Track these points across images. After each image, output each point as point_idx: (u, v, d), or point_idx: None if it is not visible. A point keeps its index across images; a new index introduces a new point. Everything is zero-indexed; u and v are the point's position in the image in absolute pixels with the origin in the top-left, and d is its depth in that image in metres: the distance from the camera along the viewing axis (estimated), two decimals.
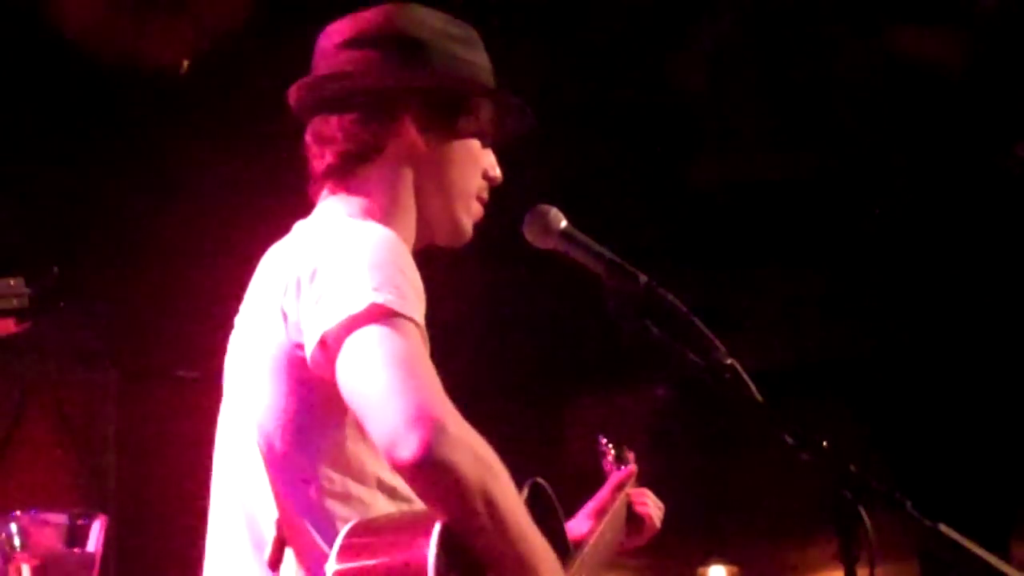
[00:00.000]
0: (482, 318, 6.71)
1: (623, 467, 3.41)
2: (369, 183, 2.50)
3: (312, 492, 2.24)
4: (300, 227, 2.47)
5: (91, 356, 6.49)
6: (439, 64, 2.55)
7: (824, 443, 2.19)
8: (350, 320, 2.15)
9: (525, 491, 2.50)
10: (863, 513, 2.16)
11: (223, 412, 2.44)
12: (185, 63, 5.65)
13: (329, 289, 2.20)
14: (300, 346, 2.24)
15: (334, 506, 2.24)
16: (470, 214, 2.58)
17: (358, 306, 2.15)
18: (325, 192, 2.54)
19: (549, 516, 2.63)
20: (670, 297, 2.28)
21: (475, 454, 2.11)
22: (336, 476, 2.25)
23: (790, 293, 7.00)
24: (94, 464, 6.23)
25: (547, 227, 2.42)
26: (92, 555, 1.91)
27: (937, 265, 6.86)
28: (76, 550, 1.88)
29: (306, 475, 2.25)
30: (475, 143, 2.57)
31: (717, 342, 2.24)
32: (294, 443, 2.27)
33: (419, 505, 2.19)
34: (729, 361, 2.23)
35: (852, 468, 2.18)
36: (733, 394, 2.23)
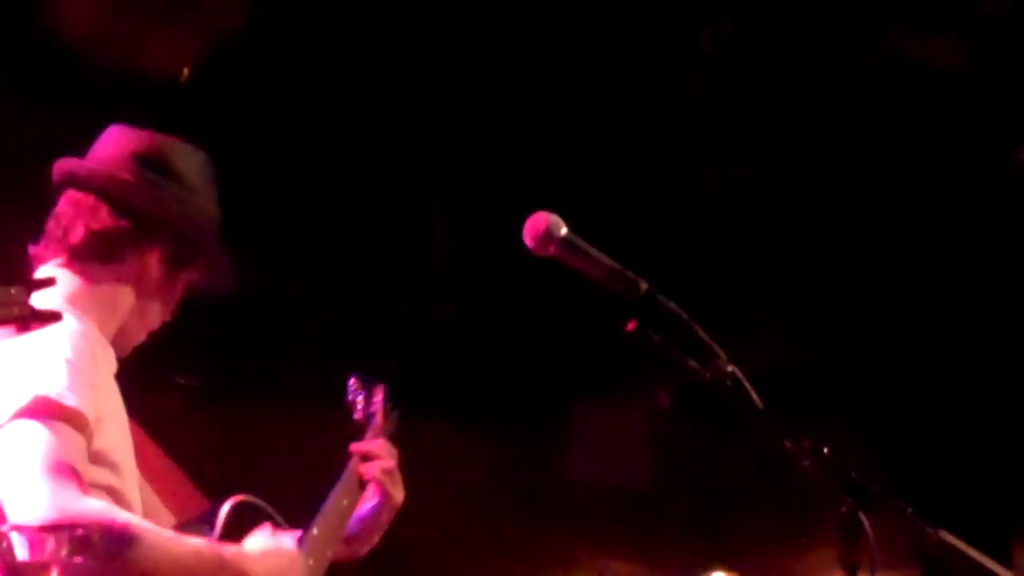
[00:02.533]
0: (482, 323, 6.71)
1: (371, 412, 3.27)
2: (96, 277, 2.72)
3: None
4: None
5: None
6: (197, 212, 2.82)
7: (825, 449, 2.20)
8: (12, 418, 2.38)
9: (224, 511, 2.63)
10: (864, 519, 2.16)
11: None
12: (186, 71, 5.65)
13: (14, 387, 2.42)
14: None
15: None
16: (138, 340, 2.82)
17: (21, 401, 2.38)
18: (57, 260, 2.75)
19: (261, 521, 2.69)
20: (671, 304, 2.28)
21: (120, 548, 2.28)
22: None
23: (791, 300, 7.00)
24: None
25: (548, 234, 2.43)
26: (94, 565, 1.91)
27: (939, 271, 6.86)
28: (77, 559, 1.88)
29: None
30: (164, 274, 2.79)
31: (718, 349, 2.24)
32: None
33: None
34: (730, 368, 2.24)
35: (853, 474, 2.18)
36: (734, 401, 2.23)
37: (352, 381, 3.28)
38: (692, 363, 2.25)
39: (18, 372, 2.45)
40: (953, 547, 2.19)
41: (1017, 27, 5.88)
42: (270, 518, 2.74)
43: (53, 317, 2.19)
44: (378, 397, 3.25)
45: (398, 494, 3.12)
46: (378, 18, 5.91)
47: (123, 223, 2.74)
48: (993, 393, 7.25)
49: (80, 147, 5.49)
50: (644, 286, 2.30)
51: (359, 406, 3.22)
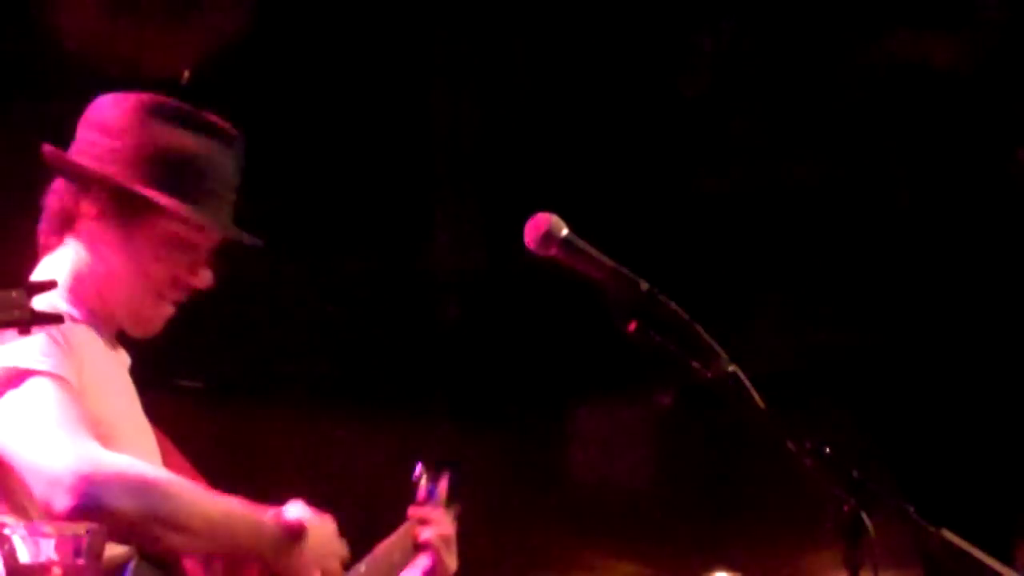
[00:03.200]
0: (483, 325, 6.71)
1: (431, 489, 3.32)
2: (65, 249, 2.72)
3: None
4: None
5: None
6: (111, 159, 2.68)
7: (827, 449, 2.20)
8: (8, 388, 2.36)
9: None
10: (866, 519, 2.16)
11: None
12: (186, 73, 5.65)
13: None
14: None
15: None
16: (153, 308, 2.73)
17: (12, 372, 2.38)
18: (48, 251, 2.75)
19: None
20: (671, 304, 2.28)
21: (132, 484, 2.29)
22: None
23: (792, 300, 7.00)
24: None
25: (549, 235, 2.42)
26: (95, 567, 1.91)
27: (941, 270, 6.86)
28: (79, 561, 1.88)
29: None
30: (169, 242, 2.70)
31: (719, 349, 2.24)
32: None
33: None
34: (731, 368, 2.24)
35: (855, 474, 2.18)
36: (735, 401, 2.23)
37: (419, 465, 3.34)
38: (693, 363, 2.25)
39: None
40: (955, 546, 2.19)
41: (1018, 26, 5.88)
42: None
43: (55, 319, 2.18)
44: (443, 484, 3.30)
45: (452, 563, 3.15)
46: (377, 18, 5.92)
47: (111, 208, 2.71)
48: (995, 392, 7.24)
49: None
50: (645, 286, 2.30)
51: (423, 488, 3.29)
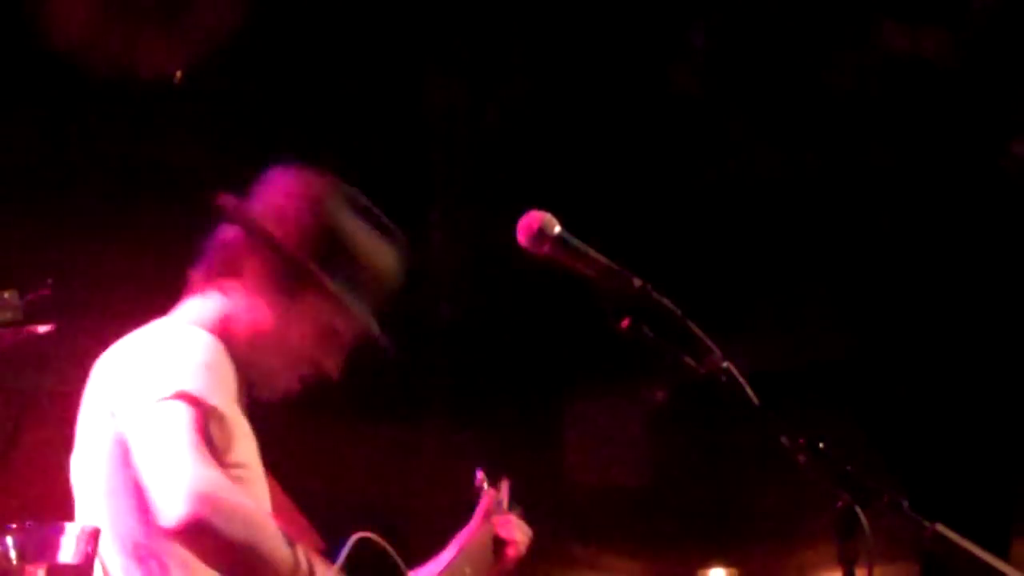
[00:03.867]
0: (478, 323, 6.71)
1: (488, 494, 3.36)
2: (219, 295, 2.74)
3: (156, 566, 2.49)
4: (131, 336, 2.71)
5: (90, 368, 6.48)
6: (358, 295, 2.73)
7: (821, 444, 2.20)
8: (155, 401, 2.42)
9: (347, 548, 2.65)
10: (861, 514, 2.16)
11: (76, 510, 2.70)
12: (179, 73, 5.65)
13: (144, 380, 2.48)
14: (125, 436, 2.48)
15: None
16: (286, 379, 2.78)
17: (166, 392, 2.42)
18: (210, 289, 2.78)
19: (380, 563, 2.75)
20: (665, 301, 2.28)
21: (237, 515, 2.35)
22: (177, 554, 2.46)
23: (786, 295, 7.00)
24: None
25: (542, 233, 2.42)
26: (89, 568, 1.91)
27: (935, 265, 6.86)
28: (73, 563, 1.88)
29: (149, 555, 2.49)
30: (320, 324, 2.74)
31: (712, 345, 2.24)
32: (133, 525, 2.50)
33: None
34: (725, 364, 2.23)
35: (849, 469, 2.18)
36: (729, 397, 2.23)
37: (479, 473, 3.42)
38: (687, 360, 2.25)
39: (156, 367, 2.48)
40: (951, 541, 2.19)
41: (1010, 19, 5.88)
42: (389, 556, 2.78)
43: (46, 323, 2.20)
44: (504, 489, 3.40)
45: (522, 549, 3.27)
46: (373, 16, 5.91)
47: (279, 273, 2.73)
48: (990, 388, 7.25)
49: (75, 147, 5.48)
50: (638, 283, 2.30)
51: (488, 494, 3.37)
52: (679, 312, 2.26)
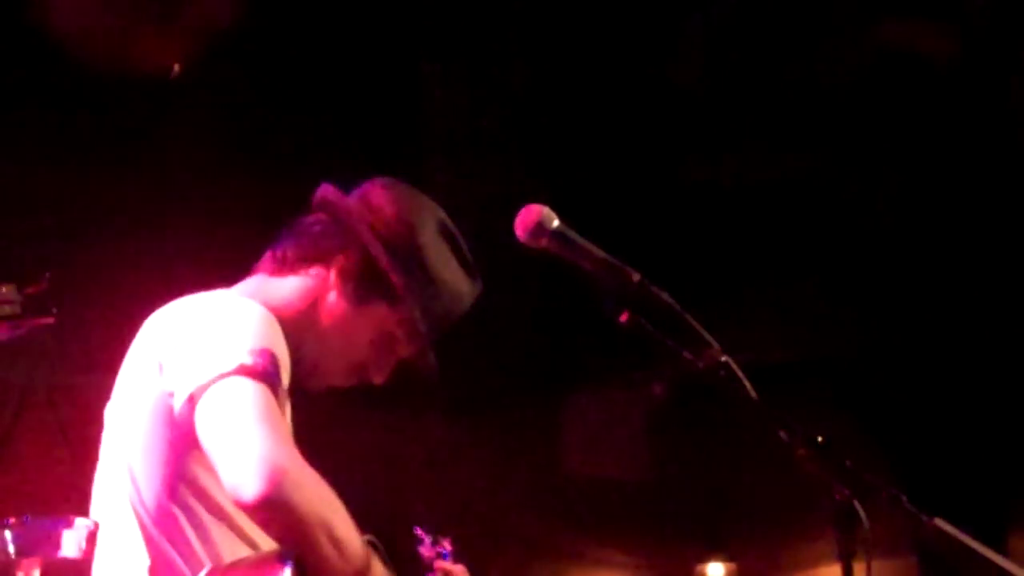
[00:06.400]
0: (476, 317, 6.70)
1: (444, 553, 3.40)
2: (295, 280, 2.75)
3: (177, 533, 2.47)
4: (188, 298, 2.66)
5: (88, 362, 6.48)
6: (439, 307, 2.76)
7: (819, 439, 2.20)
8: (218, 377, 2.38)
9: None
10: (859, 508, 2.16)
11: (100, 461, 2.65)
12: (176, 67, 5.65)
13: (205, 348, 2.43)
14: (171, 395, 2.45)
15: (198, 548, 2.46)
16: (334, 375, 2.78)
17: (228, 366, 2.38)
18: (276, 271, 2.77)
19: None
20: (664, 295, 2.28)
21: (315, 493, 2.33)
22: (198, 517, 2.47)
23: (784, 289, 7.00)
24: (91, 470, 6.22)
25: (540, 226, 2.42)
26: (87, 561, 1.91)
27: (933, 260, 6.86)
28: (71, 557, 1.88)
29: (171, 515, 2.47)
30: (384, 333, 2.76)
31: (711, 339, 2.24)
32: (161, 485, 2.48)
33: (267, 546, 2.43)
34: (723, 358, 2.23)
35: (848, 463, 2.18)
36: (728, 391, 2.23)
37: (418, 530, 3.42)
38: (686, 354, 2.25)
39: (220, 338, 2.45)
40: (949, 535, 2.19)
41: (1006, 15, 5.88)
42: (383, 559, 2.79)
43: (44, 316, 2.19)
44: (447, 545, 3.39)
45: None
46: (368, 14, 5.91)
47: (363, 274, 2.73)
48: (988, 381, 7.25)
49: (72, 146, 5.48)
50: (636, 277, 2.30)
51: (430, 548, 3.36)
52: (677, 306, 2.26)
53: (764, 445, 2.22)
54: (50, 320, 3.01)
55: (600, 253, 2.35)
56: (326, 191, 2.84)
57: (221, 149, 5.85)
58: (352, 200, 2.80)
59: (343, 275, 2.73)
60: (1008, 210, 6.61)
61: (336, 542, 2.34)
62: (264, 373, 2.39)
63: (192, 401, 2.39)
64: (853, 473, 2.18)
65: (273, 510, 2.28)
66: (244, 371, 2.38)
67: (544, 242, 2.40)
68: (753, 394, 2.23)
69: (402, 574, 2.90)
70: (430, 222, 2.79)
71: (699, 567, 8.68)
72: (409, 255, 2.73)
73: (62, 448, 6.21)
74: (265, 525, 2.36)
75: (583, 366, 7.27)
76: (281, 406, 2.43)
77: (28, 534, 1.89)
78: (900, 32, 5.98)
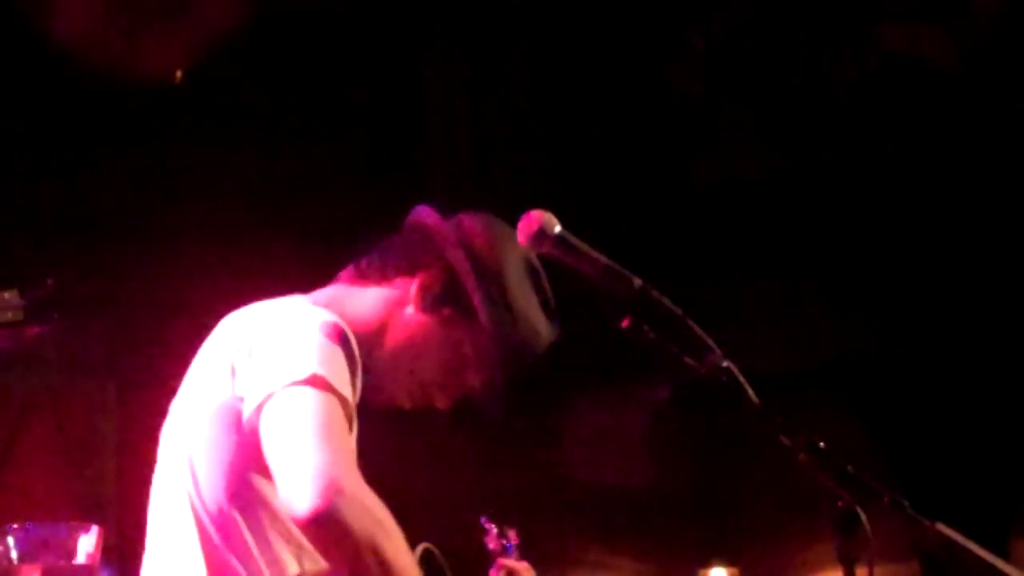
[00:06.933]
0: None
1: (508, 546, 3.41)
2: (378, 292, 2.72)
3: (237, 538, 2.45)
4: (265, 303, 2.64)
5: (90, 367, 6.48)
6: (517, 340, 2.76)
7: (821, 444, 2.20)
8: (287, 386, 2.36)
9: (417, 554, 2.68)
10: (861, 513, 2.16)
11: (160, 460, 2.62)
12: (179, 72, 5.65)
13: (278, 356, 2.41)
14: (242, 400, 2.43)
15: (257, 555, 2.44)
16: (391, 391, 2.76)
17: (298, 376, 2.36)
18: (358, 283, 2.75)
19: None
20: (665, 300, 2.28)
21: (367, 513, 2.31)
22: (259, 524, 2.45)
23: (787, 294, 7.00)
24: (94, 475, 6.22)
25: (542, 232, 2.42)
26: (90, 567, 1.91)
27: (936, 265, 6.86)
28: (74, 563, 1.88)
29: (232, 521, 2.45)
30: (454, 355, 2.75)
31: (712, 344, 2.24)
32: (224, 490, 2.47)
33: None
34: (725, 363, 2.23)
35: (850, 469, 2.18)
36: (730, 397, 2.23)
37: (484, 519, 3.44)
38: (687, 359, 2.25)
39: (292, 347, 2.43)
40: (951, 540, 2.19)
41: (1009, 19, 5.88)
42: (443, 570, 2.78)
43: (46, 323, 2.19)
44: (513, 536, 3.43)
45: None
46: (370, 15, 5.92)
47: (447, 297, 2.72)
48: (990, 386, 7.25)
49: (75, 147, 5.48)
50: (638, 283, 2.30)
51: (497, 540, 3.39)
52: (679, 312, 2.26)
53: (766, 450, 2.22)
54: (52, 326, 3.01)
55: (602, 259, 2.35)
56: (422, 212, 2.81)
57: (224, 154, 5.85)
58: (445, 223, 2.78)
59: (424, 288, 2.71)
60: (1013, 214, 6.60)
61: (383, 564, 2.32)
62: (331, 384, 2.38)
63: (260, 409, 2.39)
64: (855, 478, 2.17)
65: (323, 526, 2.27)
66: (314, 382, 2.36)
67: (546, 248, 2.40)
68: (755, 399, 2.23)
69: (466, 570, 2.91)
70: (518, 258, 2.76)
71: (702, 572, 8.68)
72: (493, 280, 2.71)
73: (64, 454, 6.21)
74: (313, 540, 2.35)
75: (585, 372, 7.27)
76: (349, 420, 2.42)
77: (30, 540, 1.89)
78: (906, 35, 5.98)
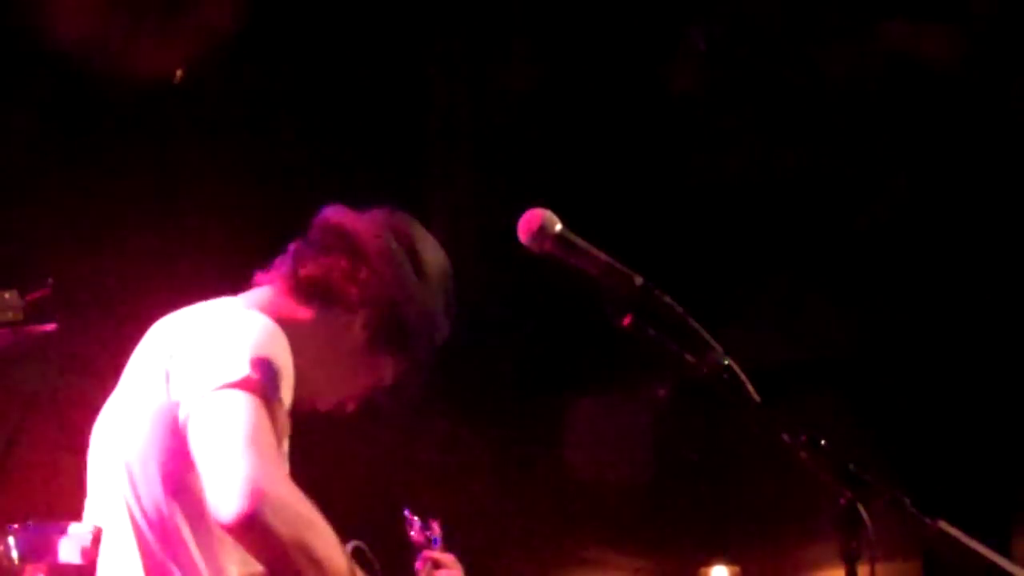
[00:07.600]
0: (478, 321, 6.70)
1: (434, 539, 3.41)
2: (304, 313, 2.75)
3: (176, 542, 2.47)
4: (197, 306, 2.69)
5: (90, 367, 6.48)
6: (430, 310, 2.84)
7: (822, 441, 2.19)
8: (217, 388, 2.38)
9: (347, 549, 2.66)
10: (863, 511, 2.16)
11: (93, 466, 2.69)
12: (179, 72, 5.65)
13: (211, 359, 2.43)
14: (177, 404, 2.45)
15: (197, 559, 2.47)
16: (322, 401, 2.82)
17: (232, 377, 2.38)
18: (274, 286, 2.78)
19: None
20: (666, 298, 2.27)
21: (295, 514, 2.33)
22: (198, 528, 2.47)
23: (787, 291, 7.00)
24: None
25: (543, 230, 2.42)
26: (90, 567, 1.91)
27: (936, 261, 6.86)
28: (75, 562, 1.88)
29: (170, 525, 2.48)
30: (374, 373, 2.82)
31: (713, 342, 2.24)
32: (162, 493, 2.49)
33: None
34: (726, 361, 2.23)
35: (851, 466, 2.18)
36: (730, 394, 2.22)
37: (407, 511, 3.45)
38: (688, 357, 2.25)
39: (223, 349, 2.45)
40: (953, 537, 2.19)
41: (1010, 19, 5.88)
42: (373, 568, 2.79)
43: (46, 322, 2.19)
44: (436, 529, 3.43)
45: None
46: (371, 15, 5.91)
47: (358, 280, 2.77)
48: (991, 383, 7.25)
49: (75, 147, 5.48)
50: (639, 281, 2.29)
51: (420, 533, 3.40)
52: (680, 309, 2.26)
53: (767, 448, 2.22)
54: (52, 326, 3.01)
55: (603, 256, 2.35)
56: (334, 211, 2.87)
57: (224, 155, 5.85)
58: (371, 241, 2.81)
59: (370, 328, 2.76)
60: (1011, 211, 6.60)
61: (316, 563, 2.34)
62: (263, 387, 2.39)
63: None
64: (856, 476, 2.17)
65: (249, 531, 2.28)
66: (244, 384, 2.38)
67: (547, 246, 2.40)
68: (756, 397, 2.23)
69: (393, 563, 2.91)
70: (434, 256, 2.89)
71: (703, 570, 8.69)
72: (426, 318, 2.83)
73: (67, 454, 6.20)
74: (244, 545, 2.36)
75: (586, 370, 7.27)
76: (278, 420, 2.42)
77: (32, 540, 1.89)
78: (903, 33, 5.98)
